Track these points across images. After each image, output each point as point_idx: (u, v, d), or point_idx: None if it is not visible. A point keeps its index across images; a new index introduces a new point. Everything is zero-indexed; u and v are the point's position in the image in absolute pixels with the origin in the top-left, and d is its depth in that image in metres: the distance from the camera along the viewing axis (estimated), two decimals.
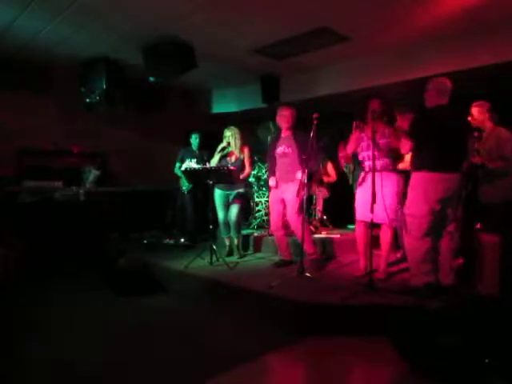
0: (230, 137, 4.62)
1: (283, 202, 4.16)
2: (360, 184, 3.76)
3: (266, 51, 5.05)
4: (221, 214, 4.75)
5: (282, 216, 4.23)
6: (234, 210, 4.67)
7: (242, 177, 4.57)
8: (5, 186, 4.90)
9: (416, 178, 3.20)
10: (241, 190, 4.70)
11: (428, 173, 3.11)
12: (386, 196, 3.38)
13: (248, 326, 3.19)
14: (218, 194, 4.75)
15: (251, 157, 4.71)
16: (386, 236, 3.64)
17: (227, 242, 4.89)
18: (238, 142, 4.63)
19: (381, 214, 3.40)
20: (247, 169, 4.62)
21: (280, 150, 4.17)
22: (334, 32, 4.42)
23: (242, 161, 4.62)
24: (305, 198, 3.78)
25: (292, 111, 4.15)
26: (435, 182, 3.08)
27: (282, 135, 4.23)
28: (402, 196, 3.53)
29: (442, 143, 3.08)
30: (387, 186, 3.45)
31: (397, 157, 3.66)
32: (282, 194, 4.13)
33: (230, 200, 4.71)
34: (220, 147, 4.63)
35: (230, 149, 4.63)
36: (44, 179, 5.17)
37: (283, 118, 4.14)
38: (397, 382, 2.42)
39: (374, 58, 5.11)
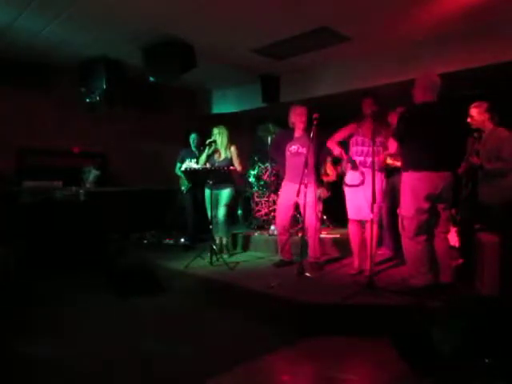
0: (218, 135, 4.69)
1: (296, 204, 4.08)
2: (350, 182, 3.72)
3: (265, 51, 5.05)
4: (210, 213, 4.75)
5: (290, 219, 4.19)
6: (222, 209, 4.71)
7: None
8: (5, 185, 4.90)
9: (404, 178, 3.22)
10: (228, 190, 4.71)
11: (414, 172, 3.12)
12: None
13: (248, 326, 3.18)
14: (207, 193, 4.80)
15: (240, 155, 4.72)
16: (371, 232, 3.62)
17: (217, 241, 4.86)
18: (225, 141, 4.69)
19: (368, 211, 3.44)
20: (237, 168, 4.63)
21: (294, 148, 4.08)
22: (334, 32, 4.42)
23: (230, 160, 4.65)
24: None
25: (306, 110, 4.10)
26: (421, 180, 3.08)
27: (296, 134, 4.14)
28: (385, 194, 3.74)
29: (428, 141, 3.07)
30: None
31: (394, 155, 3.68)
32: (297, 196, 3.94)
33: (218, 200, 4.73)
34: (207, 142, 4.69)
35: (216, 146, 4.69)
36: (44, 179, 5.16)
37: (300, 117, 4.06)
38: (397, 382, 2.42)
39: (374, 58, 5.10)
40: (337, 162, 5.09)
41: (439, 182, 3.07)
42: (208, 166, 4.63)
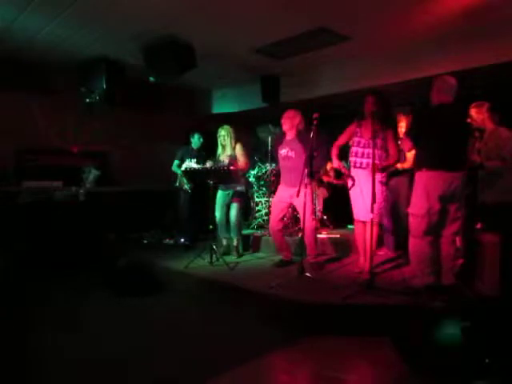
0: (226, 136, 4.66)
1: (290, 206, 4.14)
2: (352, 183, 3.68)
3: (265, 51, 5.04)
4: (218, 214, 4.73)
5: (281, 219, 4.21)
6: (234, 210, 4.68)
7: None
8: (5, 185, 4.89)
9: (417, 177, 3.21)
10: (239, 188, 4.69)
11: (428, 171, 3.11)
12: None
13: (248, 325, 3.18)
14: (219, 194, 4.76)
15: (245, 152, 4.69)
16: (371, 233, 3.56)
17: (224, 242, 4.86)
18: (233, 141, 4.68)
19: (367, 212, 3.42)
20: (240, 166, 4.57)
21: (283, 152, 4.12)
22: (334, 32, 4.42)
23: (234, 157, 4.62)
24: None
25: (295, 113, 4.10)
26: (435, 179, 3.07)
27: (287, 137, 4.17)
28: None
29: (442, 141, 3.07)
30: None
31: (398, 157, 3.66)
32: (291, 198, 4.00)
33: (229, 199, 4.71)
34: (220, 148, 4.70)
35: (225, 150, 4.68)
36: (44, 179, 5.16)
37: (284, 120, 4.11)
38: (397, 382, 2.42)
39: (374, 58, 5.10)
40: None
41: (453, 181, 3.07)
42: (208, 165, 4.63)
